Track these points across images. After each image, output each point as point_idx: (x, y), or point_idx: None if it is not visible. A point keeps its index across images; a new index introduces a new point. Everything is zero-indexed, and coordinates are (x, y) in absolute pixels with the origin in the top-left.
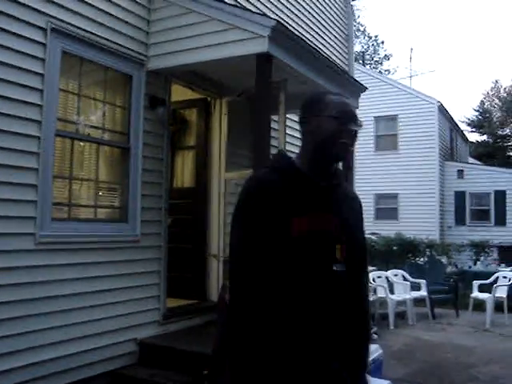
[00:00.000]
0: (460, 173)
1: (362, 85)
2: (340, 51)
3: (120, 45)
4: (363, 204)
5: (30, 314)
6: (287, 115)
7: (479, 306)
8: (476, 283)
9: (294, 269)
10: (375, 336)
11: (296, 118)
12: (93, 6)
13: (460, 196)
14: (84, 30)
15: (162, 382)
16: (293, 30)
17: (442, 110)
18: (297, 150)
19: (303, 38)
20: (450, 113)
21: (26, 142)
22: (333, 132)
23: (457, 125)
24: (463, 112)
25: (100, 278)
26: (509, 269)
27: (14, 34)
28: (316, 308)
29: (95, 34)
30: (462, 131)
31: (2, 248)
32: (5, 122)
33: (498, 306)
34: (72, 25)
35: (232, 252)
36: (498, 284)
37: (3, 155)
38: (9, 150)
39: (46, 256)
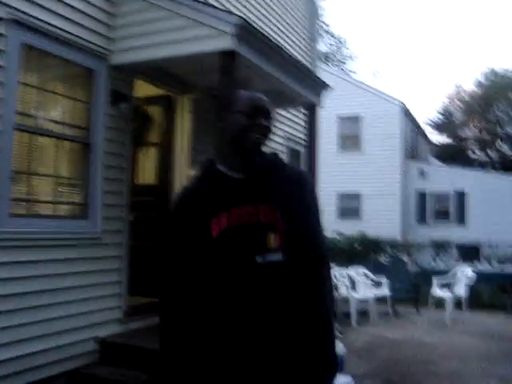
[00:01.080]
0: (422, 173)
1: (325, 83)
2: (305, 50)
3: (83, 38)
4: (327, 203)
5: None
6: None
7: (440, 303)
8: (436, 280)
9: (217, 268)
10: (337, 333)
11: None
12: None
13: (421, 196)
14: (46, 22)
15: (121, 380)
16: (258, 27)
17: (405, 111)
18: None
19: (268, 36)
20: (412, 114)
21: None
22: (243, 127)
23: (420, 126)
24: (427, 114)
25: (60, 275)
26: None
27: None
28: (237, 305)
29: (57, 27)
30: (424, 132)
31: None
32: None
33: (458, 303)
34: (33, 17)
35: (161, 267)
36: (456, 281)
37: None
38: None
39: (5, 253)
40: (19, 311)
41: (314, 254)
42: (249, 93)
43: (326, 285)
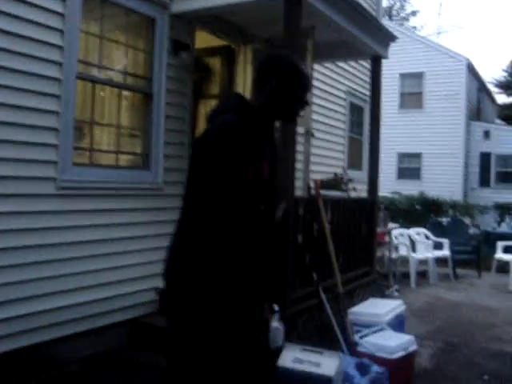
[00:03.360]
0: (486, 134)
1: (392, 34)
2: (369, 2)
3: None
4: (386, 163)
5: (51, 260)
6: (314, 64)
7: (502, 267)
8: (501, 244)
9: (245, 206)
10: (396, 294)
11: (322, 69)
12: None
13: (485, 158)
14: None
15: None
16: None
17: (471, 69)
18: (320, 102)
19: None
20: (478, 72)
21: (46, 83)
22: (297, 99)
23: (485, 85)
24: (491, 72)
25: (122, 225)
26: None
27: None
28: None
29: None
30: (489, 91)
31: (22, 191)
32: (24, 62)
33: None
34: None
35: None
36: None
37: (23, 97)
38: (28, 91)
39: (66, 201)
40: (82, 259)
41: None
42: (306, 70)
43: None
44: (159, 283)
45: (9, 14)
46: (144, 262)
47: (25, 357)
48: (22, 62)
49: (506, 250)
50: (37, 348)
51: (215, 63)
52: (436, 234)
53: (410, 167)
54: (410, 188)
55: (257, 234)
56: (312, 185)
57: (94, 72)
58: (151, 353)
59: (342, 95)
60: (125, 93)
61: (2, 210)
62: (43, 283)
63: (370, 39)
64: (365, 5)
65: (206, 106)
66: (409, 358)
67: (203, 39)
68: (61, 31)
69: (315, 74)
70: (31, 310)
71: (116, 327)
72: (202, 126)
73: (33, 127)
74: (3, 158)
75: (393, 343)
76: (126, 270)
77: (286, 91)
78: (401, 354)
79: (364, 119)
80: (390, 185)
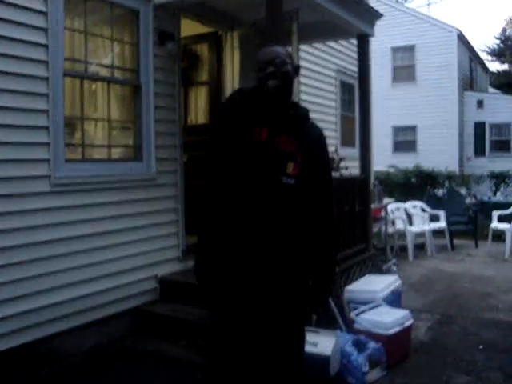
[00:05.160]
0: (480, 103)
1: (377, 12)
2: None
3: None
4: (382, 137)
5: (50, 256)
6: (301, 46)
7: (498, 236)
8: (495, 213)
9: (250, 169)
10: (394, 267)
11: (310, 49)
12: None
13: (480, 127)
14: None
15: (182, 317)
16: None
17: (462, 39)
18: (310, 82)
19: None
20: (469, 42)
21: (34, 83)
22: (260, 78)
23: (477, 54)
24: (483, 40)
25: (118, 217)
26: None
27: None
28: (257, 204)
29: None
30: (482, 60)
31: (18, 191)
32: (11, 64)
33: None
34: None
35: (207, 156)
36: None
37: (13, 98)
38: (18, 92)
39: (62, 197)
40: (81, 253)
41: (322, 189)
42: (263, 49)
43: (330, 213)
44: (158, 271)
45: None
46: (144, 251)
47: (31, 351)
48: (9, 63)
49: (501, 219)
50: (42, 342)
51: (203, 50)
52: (432, 206)
53: (405, 140)
54: (406, 160)
55: (266, 198)
56: None
57: (81, 68)
58: (155, 340)
59: (332, 74)
60: (113, 86)
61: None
62: (44, 279)
63: (355, 19)
64: None
65: (196, 93)
66: (405, 332)
67: (189, 27)
68: (45, 30)
69: (303, 55)
70: (36, 305)
71: (118, 317)
72: (192, 113)
73: (24, 127)
74: None
75: (389, 319)
76: (125, 260)
77: (257, 74)
78: (397, 329)
79: (355, 96)
80: (386, 159)
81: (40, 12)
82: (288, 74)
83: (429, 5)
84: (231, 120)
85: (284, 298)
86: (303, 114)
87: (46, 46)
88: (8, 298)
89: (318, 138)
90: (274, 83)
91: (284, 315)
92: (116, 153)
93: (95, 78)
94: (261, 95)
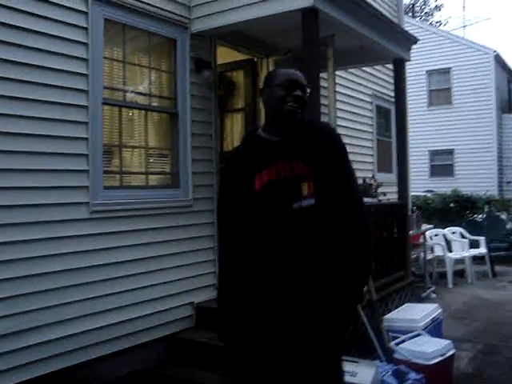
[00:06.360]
0: None
1: (413, 37)
2: (388, 3)
3: (162, 9)
4: (418, 161)
5: (88, 282)
6: (336, 72)
7: None
8: None
9: (259, 215)
10: (433, 295)
11: (345, 75)
12: None
13: None
14: None
15: (220, 345)
16: None
17: (499, 60)
18: (346, 107)
19: None
20: (507, 63)
21: (74, 112)
22: (280, 97)
23: None
24: None
25: (154, 243)
26: None
27: (55, 4)
28: (276, 243)
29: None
30: None
31: (59, 218)
32: (52, 93)
33: None
34: None
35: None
36: None
37: (54, 127)
38: (59, 121)
39: (100, 224)
40: (119, 279)
41: (345, 199)
42: (284, 69)
43: (361, 224)
44: (195, 298)
45: (38, 49)
46: (180, 278)
47: (69, 376)
48: (52, 93)
49: None
50: (81, 367)
51: (238, 77)
52: (472, 232)
53: (442, 164)
54: (443, 185)
55: (280, 233)
56: None
57: (120, 96)
58: (191, 368)
59: (368, 99)
60: (151, 114)
61: (39, 236)
62: (86, 304)
63: (390, 44)
64: (385, 7)
65: (232, 120)
66: (447, 362)
67: (225, 54)
68: (85, 60)
69: (339, 81)
70: (75, 330)
71: (155, 344)
72: (229, 140)
73: (64, 155)
74: (35, 187)
75: (429, 349)
76: (163, 286)
77: (267, 94)
78: (438, 359)
79: (392, 121)
80: (423, 183)
81: (81, 43)
82: (306, 103)
83: (464, 27)
84: (230, 180)
85: (319, 335)
86: (303, 125)
87: (86, 76)
88: (51, 323)
89: (325, 137)
90: (295, 108)
91: (319, 351)
92: (153, 179)
93: (133, 106)
94: (276, 117)
